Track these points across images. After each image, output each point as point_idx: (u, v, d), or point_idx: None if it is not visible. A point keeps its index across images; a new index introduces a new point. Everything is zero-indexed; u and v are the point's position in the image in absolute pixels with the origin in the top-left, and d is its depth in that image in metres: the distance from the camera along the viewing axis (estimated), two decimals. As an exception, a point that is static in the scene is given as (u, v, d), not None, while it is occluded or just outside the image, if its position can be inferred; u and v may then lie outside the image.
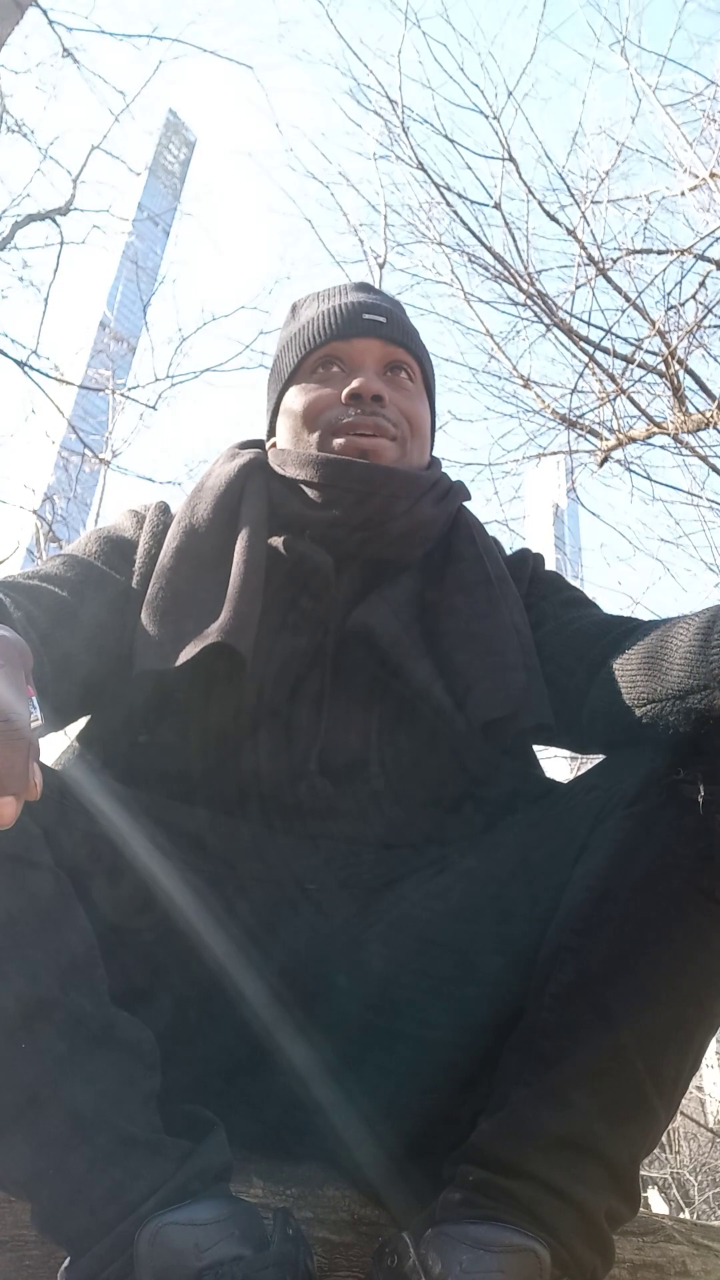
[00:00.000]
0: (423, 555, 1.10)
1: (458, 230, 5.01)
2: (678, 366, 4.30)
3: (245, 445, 1.19)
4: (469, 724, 0.98)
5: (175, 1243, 0.67)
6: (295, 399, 1.13)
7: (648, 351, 4.48)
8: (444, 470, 1.18)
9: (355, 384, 1.08)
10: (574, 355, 4.65)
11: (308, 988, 0.87)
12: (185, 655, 0.94)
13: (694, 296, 4.35)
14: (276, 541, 1.04)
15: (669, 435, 4.40)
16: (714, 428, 4.24)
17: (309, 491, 1.06)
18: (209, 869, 0.90)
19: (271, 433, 1.20)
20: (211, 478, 1.12)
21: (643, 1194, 0.83)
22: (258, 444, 1.20)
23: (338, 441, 1.08)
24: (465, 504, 1.17)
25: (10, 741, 0.60)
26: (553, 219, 4.71)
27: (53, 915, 0.76)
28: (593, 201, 4.70)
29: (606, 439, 4.63)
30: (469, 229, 4.88)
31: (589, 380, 4.61)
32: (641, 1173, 0.80)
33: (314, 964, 0.88)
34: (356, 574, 1.06)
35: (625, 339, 4.57)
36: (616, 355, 4.52)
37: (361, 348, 1.13)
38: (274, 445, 1.16)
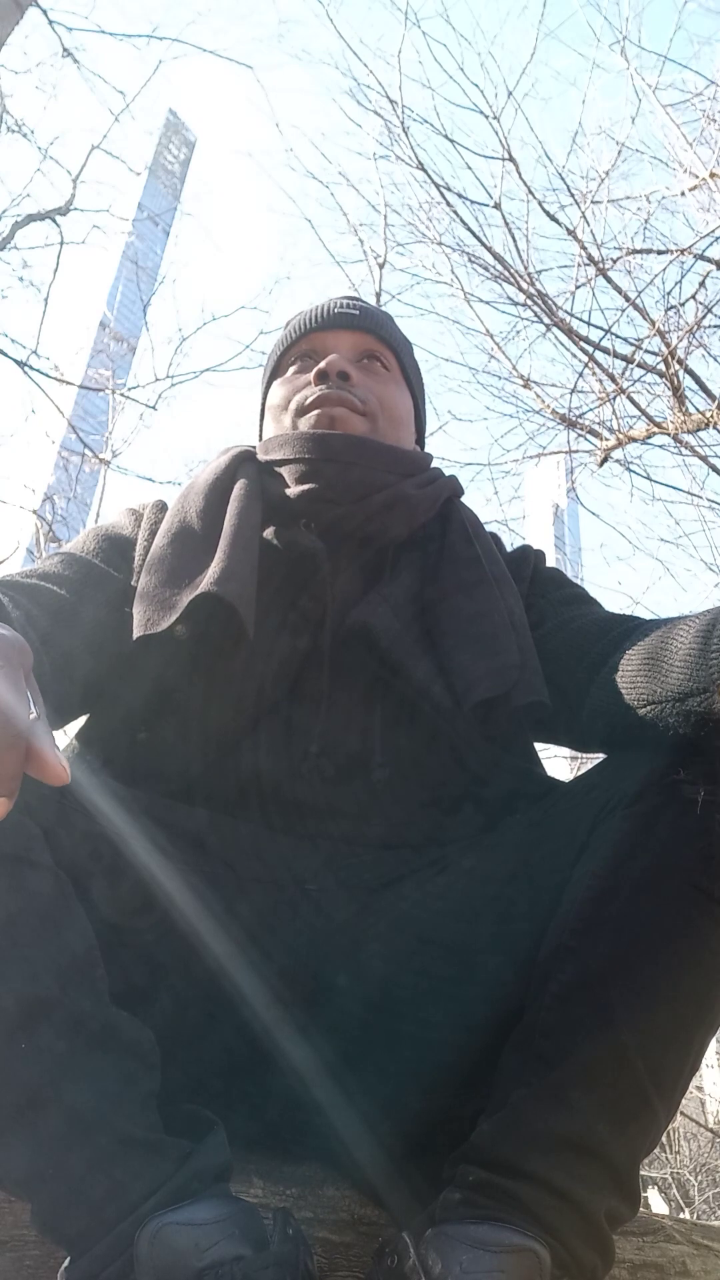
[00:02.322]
0: (420, 553, 1.10)
1: (458, 230, 5.03)
2: (678, 366, 4.30)
3: (237, 446, 1.21)
4: (468, 720, 0.98)
5: (175, 1243, 0.67)
6: (275, 393, 1.19)
7: (648, 351, 4.48)
8: (442, 470, 1.20)
9: (321, 364, 1.13)
10: (574, 355, 4.66)
11: (308, 988, 0.87)
12: (177, 611, 0.96)
13: (694, 296, 4.35)
14: (269, 533, 1.05)
15: (669, 435, 4.40)
16: (714, 428, 4.23)
17: (289, 469, 1.08)
18: (209, 869, 0.89)
19: (261, 434, 1.24)
20: (204, 473, 1.14)
21: (643, 1194, 0.82)
22: (250, 446, 1.22)
23: (308, 418, 1.12)
24: (462, 501, 1.18)
25: (8, 744, 0.60)
26: (553, 219, 4.72)
27: (53, 915, 0.75)
28: (593, 201, 4.71)
29: (606, 439, 4.62)
30: (469, 229, 4.89)
31: (589, 380, 4.62)
32: (641, 1173, 0.80)
33: (314, 964, 0.88)
34: (355, 572, 1.07)
35: (625, 339, 4.57)
36: (616, 355, 4.52)
37: (334, 338, 1.19)
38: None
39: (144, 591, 1.00)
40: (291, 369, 1.20)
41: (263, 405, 1.24)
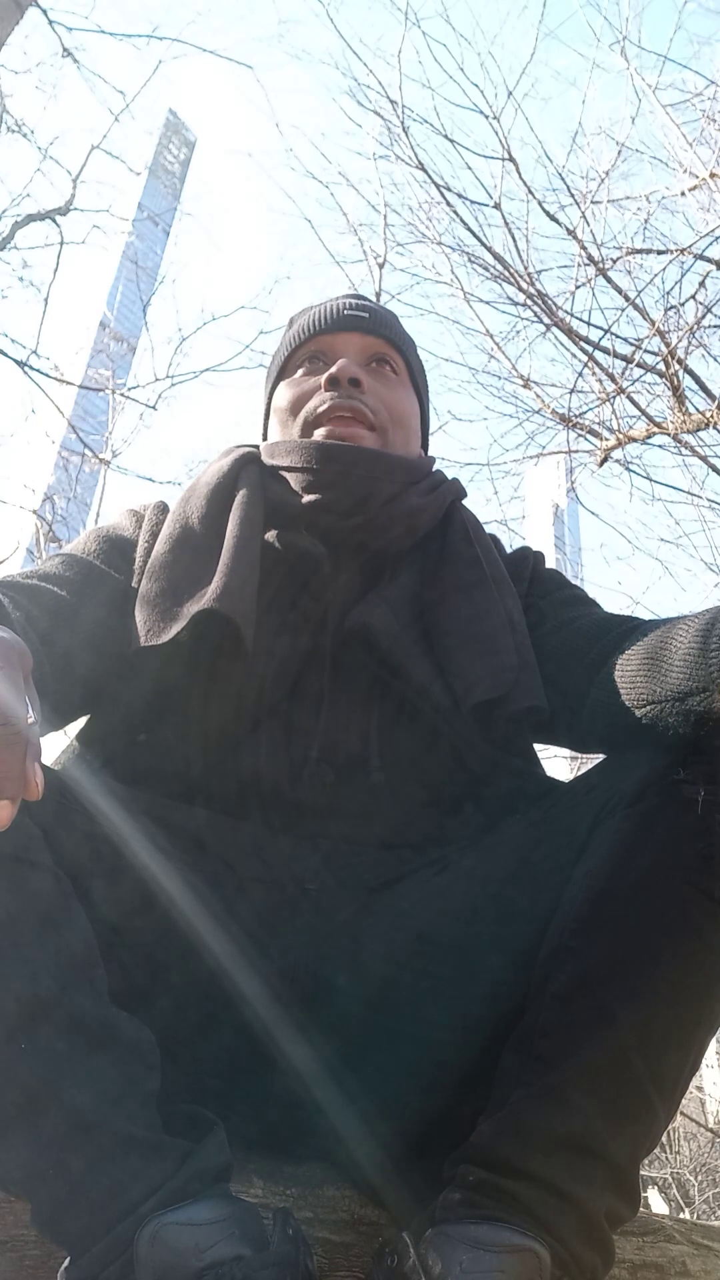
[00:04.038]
0: (420, 554, 1.10)
1: (458, 230, 5.03)
2: (677, 366, 4.30)
3: (241, 446, 1.21)
4: (468, 720, 0.98)
5: (175, 1243, 0.67)
6: (282, 395, 1.18)
7: (647, 351, 4.48)
8: (442, 470, 1.20)
9: (333, 369, 1.12)
10: (574, 355, 4.66)
11: (307, 988, 0.87)
12: (179, 624, 0.96)
13: (694, 296, 4.35)
14: (271, 536, 1.05)
15: (669, 435, 4.40)
16: (714, 428, 4.24)
17: (296, 477, 1.08)
18: (209, 869, 0.90)
19: (265, 434, 1.23)
20: (206, 474, 1.13)
21: (643, 1194, 0.82)
22: (253, 446, 1.21)
23: (319, 430, 1.11)
24: (463, 502, 1.17)
25: (8, 744, 0.60)
26: (553, 219, 4.72)
27: (53, 915, 0.76)
28: (593, 201, 4.71)
29: (606, 439, 4.63)
30: (469, 229, 4.90)
31: (589, 380, 4.62)
32: (641, 1173, 0.80)
33: (314, 964, 0.88)
34: (356, 573, 1.07)
35: (625, 339, 4.58)
36: (616, 355, 4.53)
37: (343, 340, 1.17)
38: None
39: (146, 598, 1.00)
40: (299, 371, 1.18)
41: (268, 405, 1.23)
